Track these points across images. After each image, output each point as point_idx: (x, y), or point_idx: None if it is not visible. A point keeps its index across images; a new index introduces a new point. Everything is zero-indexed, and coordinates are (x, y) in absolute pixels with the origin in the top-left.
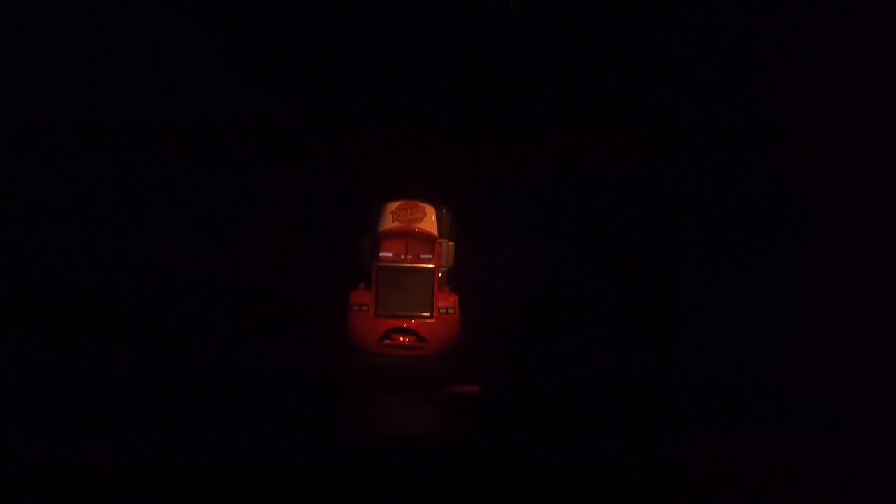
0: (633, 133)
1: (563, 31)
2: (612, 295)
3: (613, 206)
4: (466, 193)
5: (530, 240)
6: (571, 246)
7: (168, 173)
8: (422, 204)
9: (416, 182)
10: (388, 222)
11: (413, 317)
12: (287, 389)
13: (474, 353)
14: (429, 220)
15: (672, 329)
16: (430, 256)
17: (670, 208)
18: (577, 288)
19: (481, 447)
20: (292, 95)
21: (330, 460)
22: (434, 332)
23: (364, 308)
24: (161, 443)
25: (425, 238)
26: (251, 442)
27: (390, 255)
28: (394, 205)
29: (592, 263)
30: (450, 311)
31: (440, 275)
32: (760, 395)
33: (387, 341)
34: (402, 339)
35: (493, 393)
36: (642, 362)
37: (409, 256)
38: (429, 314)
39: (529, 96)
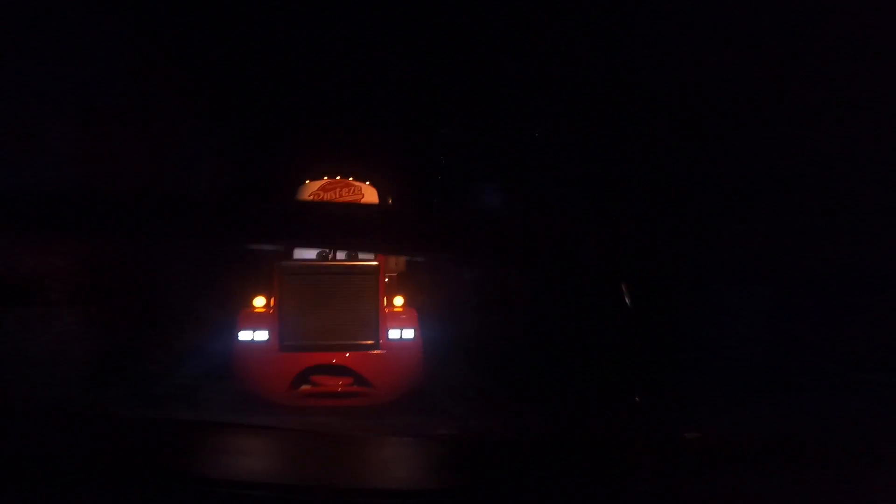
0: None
1: None
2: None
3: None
4: (421, 177)
5: None
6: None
7: None
8: (357, 182)
9: (353, 160)
10: None
11: (347, 347)
12: None
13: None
14: (367, 203)
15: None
16: (371, 254)
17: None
18: (566, 294)
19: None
20: None
21: None
22: (382, 370)
23: (260, 338)
24: None
25: None
26: None
27: (310, 253)
28: (315, 184)
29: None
30: (406, 335)
31: (387, 280)
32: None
33: (305, 387)
34: (330, 383)
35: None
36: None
37: (339, 255)
38: (373, 342)
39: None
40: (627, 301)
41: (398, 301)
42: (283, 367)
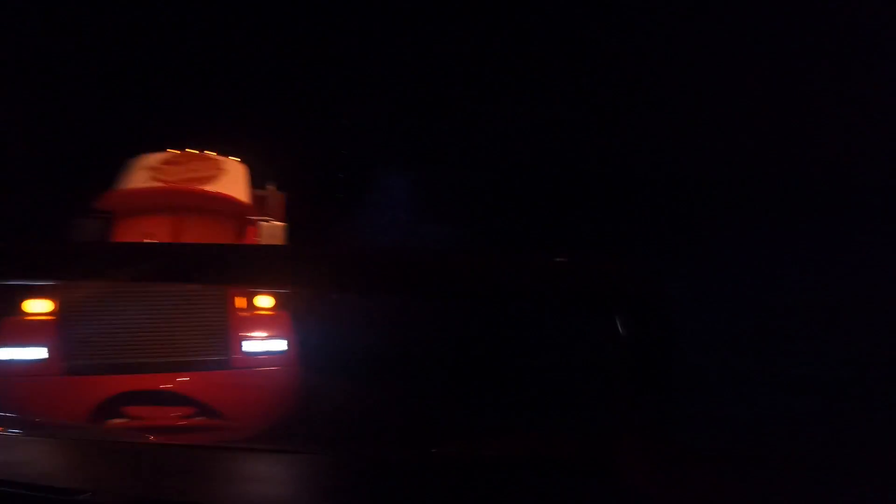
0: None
1: None
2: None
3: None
4: (312, 165)
5: (417, 228)
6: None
7: None
8: (216, 156)
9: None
10: (139, 181)
11: (182, 366)
12: None
13: None
14: (230, 181)
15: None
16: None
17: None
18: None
19: None
20: None
21: None
22: (237, 395)
23: (33, 355)
24: None
25: (221, 211)
26: None
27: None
28: (154, 157)
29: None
30: (272, 347)
31: None
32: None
33: (116, 421)
34: (158, 415)
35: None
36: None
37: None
38: (221, 358)
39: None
40: (620, 328)
41: (264, 301)
42: (72, 396)
